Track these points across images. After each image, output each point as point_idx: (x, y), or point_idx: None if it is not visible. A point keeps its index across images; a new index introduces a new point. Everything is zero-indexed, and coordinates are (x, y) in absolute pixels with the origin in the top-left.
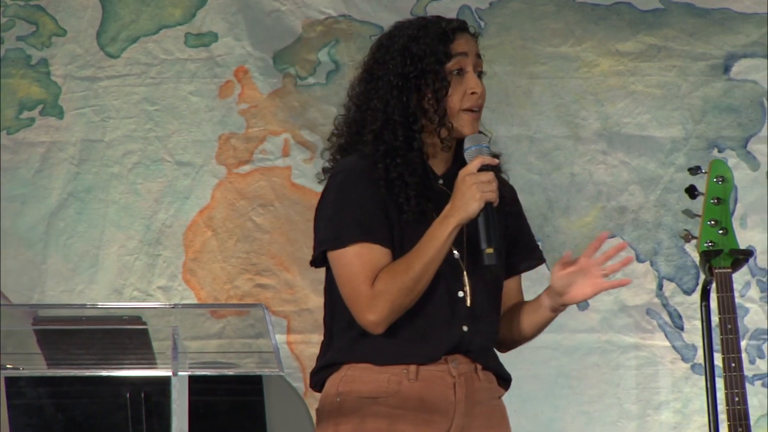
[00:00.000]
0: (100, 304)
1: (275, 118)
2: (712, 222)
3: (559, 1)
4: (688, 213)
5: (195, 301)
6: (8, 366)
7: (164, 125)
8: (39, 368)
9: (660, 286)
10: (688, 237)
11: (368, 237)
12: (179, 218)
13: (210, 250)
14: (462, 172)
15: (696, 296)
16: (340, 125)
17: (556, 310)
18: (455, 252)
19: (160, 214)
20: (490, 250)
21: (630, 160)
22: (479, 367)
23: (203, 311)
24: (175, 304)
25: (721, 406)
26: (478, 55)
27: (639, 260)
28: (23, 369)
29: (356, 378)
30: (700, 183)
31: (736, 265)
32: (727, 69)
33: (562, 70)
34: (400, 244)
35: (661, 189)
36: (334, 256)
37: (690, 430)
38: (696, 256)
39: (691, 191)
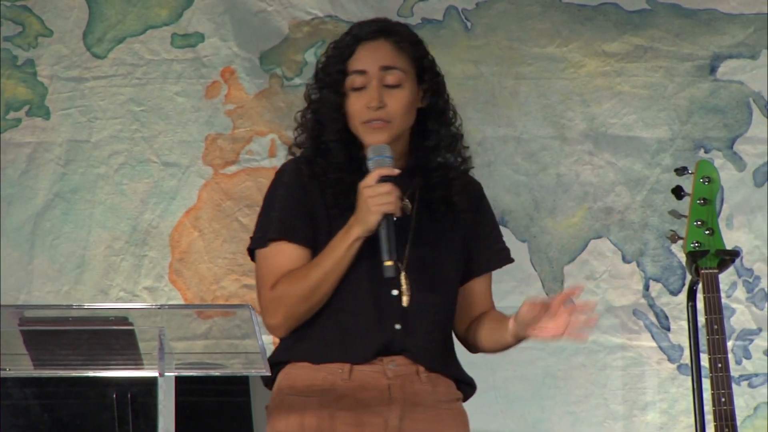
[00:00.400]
0: (87, 304)
1: (262, 118)
2: (699, 222)
3: (545, 1)
4: (675, 213)
5: (181, 302)
6: None
7: (150, 126)
8: (25, 369)
9: (646, 287)
10: (674, 237)
11: (284, 235)
12: (165, 219)
13: (196, 251)
14: (360, 185)
15: (682, 297)
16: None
17: (518, 338)
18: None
19: (147, 215)
20: (389, 263)
21: (616, 160)
22: (421, 369)
23: (189, 312)
24: (161, 305)
25: (708, 407)
26: (388, 67)
27: (625, 261)
28: (9, 370)
29: (296, 376)
30: (687, 183)
31: (723, 265)
32: (713, 70)
33: (549, 70)
34: (327, 241)
35: (648, 189)
36: (256, 255)
37: (676, 430)
38: (682, 257)
39: (678, 192)
